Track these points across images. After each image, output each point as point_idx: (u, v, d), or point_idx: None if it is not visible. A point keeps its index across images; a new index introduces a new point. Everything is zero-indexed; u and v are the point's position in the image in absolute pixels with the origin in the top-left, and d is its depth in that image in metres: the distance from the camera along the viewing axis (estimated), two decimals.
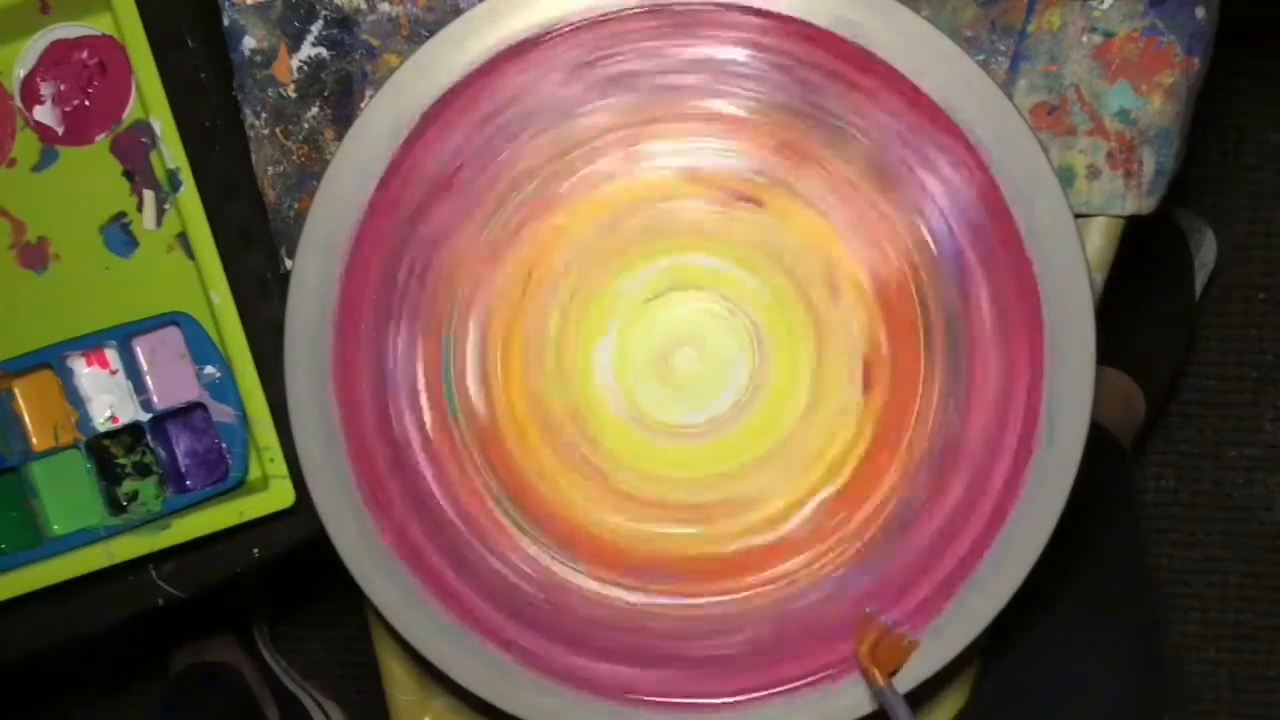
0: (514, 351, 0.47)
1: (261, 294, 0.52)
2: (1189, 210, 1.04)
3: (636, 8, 0.45)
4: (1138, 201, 0.49)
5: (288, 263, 0.51)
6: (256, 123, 0.50)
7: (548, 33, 0.45)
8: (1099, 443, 0.45)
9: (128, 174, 0.53)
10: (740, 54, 0.45)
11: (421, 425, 0.47)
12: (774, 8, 0.45)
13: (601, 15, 0.45)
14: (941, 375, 0.46)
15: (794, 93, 0.45)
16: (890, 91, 0.45)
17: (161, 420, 0.53)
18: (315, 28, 0.49)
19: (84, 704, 1.14)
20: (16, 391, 0.53)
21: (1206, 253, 1.03)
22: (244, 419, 0.51)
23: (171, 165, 0.50)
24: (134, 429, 0.53)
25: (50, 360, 0.52)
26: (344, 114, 0.50)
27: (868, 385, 0.47)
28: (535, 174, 0.46)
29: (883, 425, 0.47)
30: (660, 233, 0.47)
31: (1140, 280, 1.00)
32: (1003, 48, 0.48)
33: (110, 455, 0.53)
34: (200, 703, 0.92)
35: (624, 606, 0.48)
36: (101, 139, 0.53)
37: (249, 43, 0.49)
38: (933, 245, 0.46)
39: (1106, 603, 0.64)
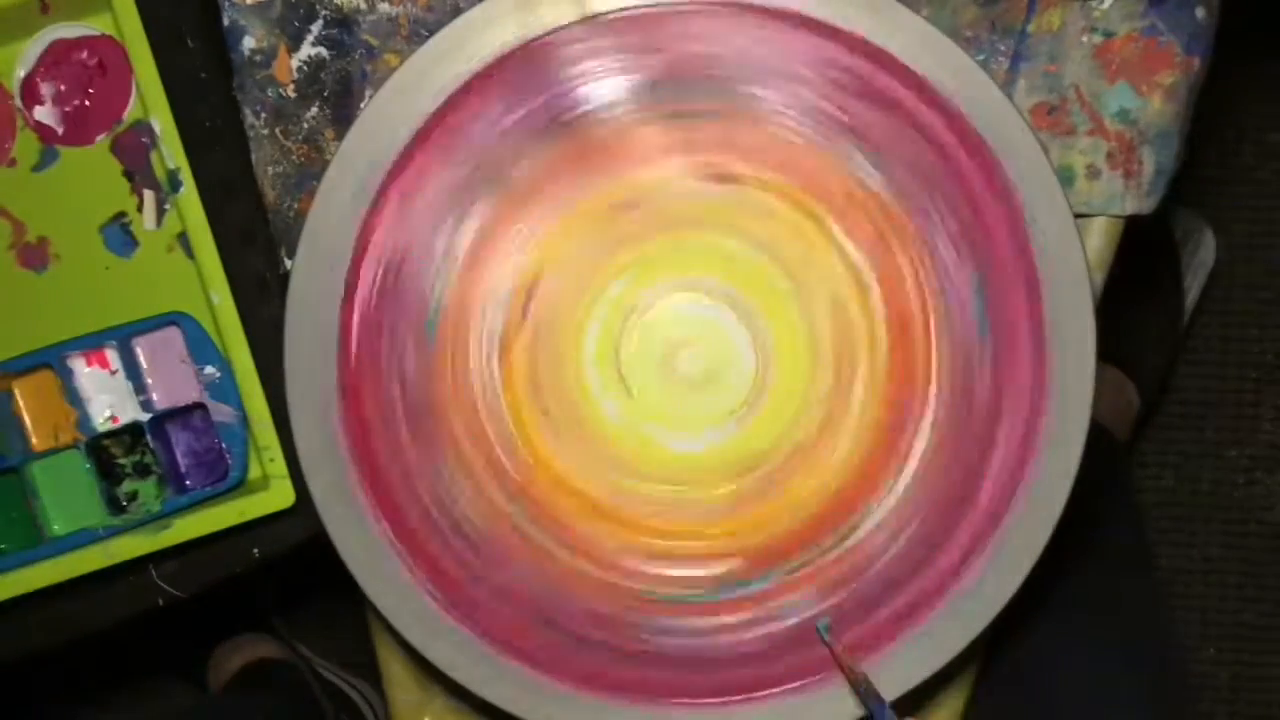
0: (516, 363, 0.47)
1: (261, 294, 0.52)
2: (1189, 210, 1.03)
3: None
4: (1138, 201, 0.49)
5: (287, 263, 0.51)
6: (256, 123, 0.50)
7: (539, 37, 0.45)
8: (1096, 441, 0.45)
9: (128, 174, 0.53)
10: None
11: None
12: (774, 4, 0.45)
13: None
14: (943, 374, 0.46)
15: None
16: None
17: (161, 420, 0.53)
18: (315, 28, 0.49)
19: (91, 704, 1.14)
20: (16, 391, 0.53)
21: (1206, 252, 1.02)
22: (244, 419, 0.51)
23: (171, 165, 0.50)
24: (134, 429, 0.53)
25: (50, 360, 0.52)
26: (344, 114, 0.50)
27: (868, 389, 0.47)
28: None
29: (879, 437, 0.47)
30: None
31: (1130, 274, 1.00)
32: (1003, 48, 0.48)
33: (110, 455, 0.53)
34: (268, 696, 0.93)
35: (630, 603, 0.48)
36: (101, 139, 0.53)
37: (249, 43, 0.49)
38: (933, 245, 0.46)
39: (1114, 602, 0.63)
